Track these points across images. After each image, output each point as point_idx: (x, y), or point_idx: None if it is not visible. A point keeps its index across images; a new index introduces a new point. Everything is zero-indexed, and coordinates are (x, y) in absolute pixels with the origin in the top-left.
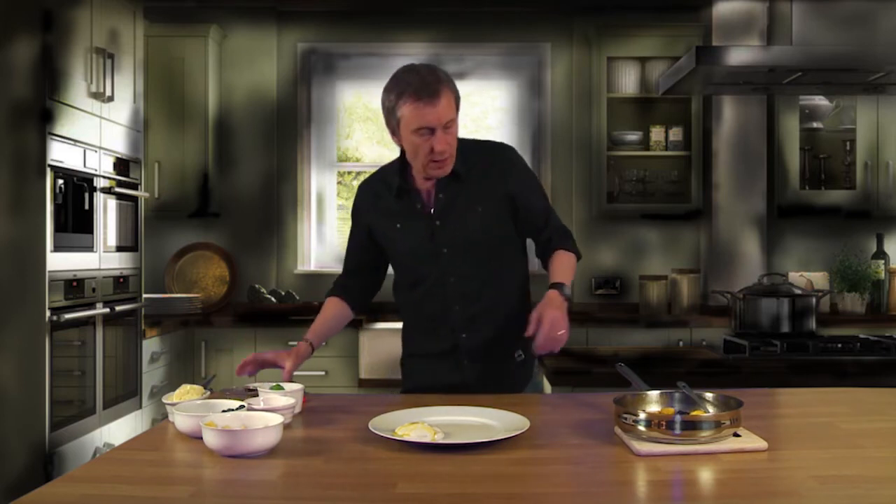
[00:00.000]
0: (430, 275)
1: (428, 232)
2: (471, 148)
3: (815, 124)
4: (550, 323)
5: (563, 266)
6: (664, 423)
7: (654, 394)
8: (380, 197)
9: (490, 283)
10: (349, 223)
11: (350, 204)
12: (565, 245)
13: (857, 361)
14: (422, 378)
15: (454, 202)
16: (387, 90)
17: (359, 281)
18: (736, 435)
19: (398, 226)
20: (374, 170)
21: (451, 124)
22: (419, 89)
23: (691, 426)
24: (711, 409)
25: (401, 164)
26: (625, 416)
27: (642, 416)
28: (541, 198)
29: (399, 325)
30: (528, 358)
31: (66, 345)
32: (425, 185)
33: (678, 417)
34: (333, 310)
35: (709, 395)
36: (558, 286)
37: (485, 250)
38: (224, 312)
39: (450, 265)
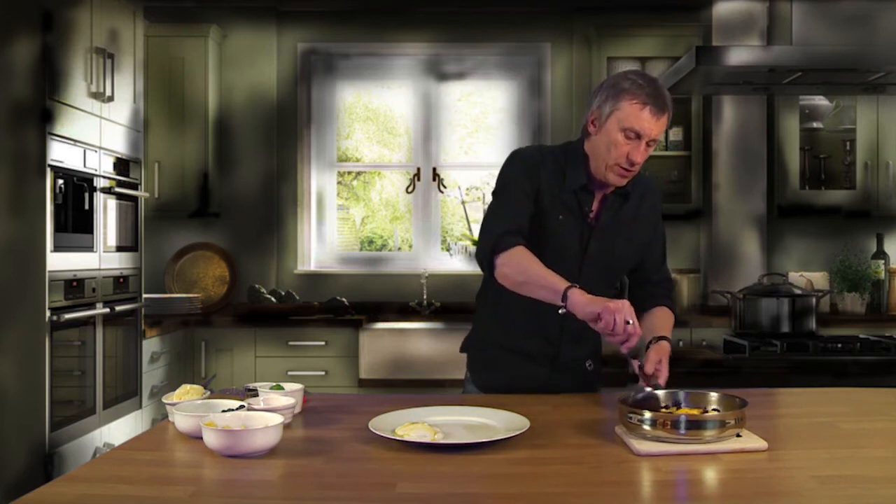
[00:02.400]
0: None
1: (583, 240)
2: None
3: (815, 124)
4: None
5: (668, 323)
6: (669, 422)
7: (659, 393)
8: (555, 178)
9: None
10: (349, 223)
11: (349, 203)
12: (668, 303)
13: (857, 361)
14: (507, 373)
15: (615, 223)
16: (615, 82)
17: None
18: (737, 435)
19: (560, 217)
20: (374, 170)
21: (653, 144)
22: (651, 95)
23: (696, 426)
24: (715, 409)
25: (584, 160)
26: (630, 415)
27: (647, 415)
28: (663, 243)
29: (401, 325)
30: (596, 368)
31: (66, 345)
32: (600, 192)
33: (683, 417)
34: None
35: (713, 395)
36: (667, 339)
37: (615, 275)
38: (224, 312)
39: (585, 280)
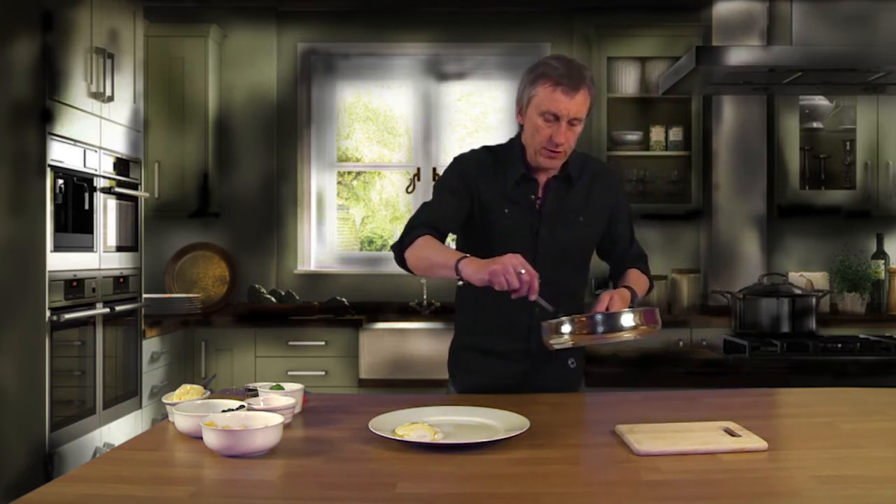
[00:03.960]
0: None
1: (533, 228)
2: (581, 158)
3: (815, 124)
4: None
5: (638, 280)
6: (585, 319)
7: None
8: (495, 175)
9: (568, 292)
10: (349, 223)
11: (349, 203)
12: (643, 267)
13: (857, 361)
14: (484, 374)
15: (562, 206)
16: (530, 69)
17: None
18: (735, 435)
19: (506, 211)
20: (374, 170)
21: (577, 123)
22: (562, 76)
23: (611, 320)
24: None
25: (521, 151)
26: (550, 327)
27: (564, 318)
28: (629, 223)
29: (401, 325)
30: (578, 367)
31: (66, 345)
32: (542, 178)
33: (598, 316)
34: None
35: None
36: (630, 290)
37: (574, 259)
38: (224, 312)
39: (542, 268)
